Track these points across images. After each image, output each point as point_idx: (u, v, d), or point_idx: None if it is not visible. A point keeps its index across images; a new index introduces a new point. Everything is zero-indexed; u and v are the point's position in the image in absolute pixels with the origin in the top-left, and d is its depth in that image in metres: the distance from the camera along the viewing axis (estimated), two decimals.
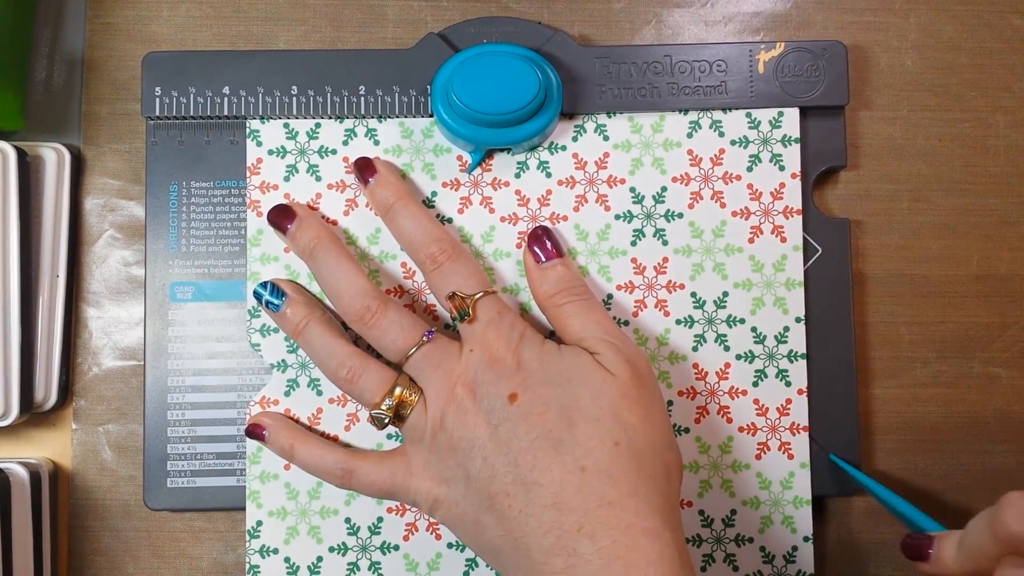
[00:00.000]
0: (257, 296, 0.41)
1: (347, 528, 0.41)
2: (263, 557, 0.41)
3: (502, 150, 0.43)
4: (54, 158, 0.43)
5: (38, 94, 0.45)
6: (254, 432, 0.41)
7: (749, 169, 0.42)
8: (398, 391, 0.38)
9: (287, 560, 0.41)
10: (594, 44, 0.45)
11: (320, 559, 0.41)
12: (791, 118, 0.43)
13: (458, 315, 0.38)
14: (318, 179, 0.42)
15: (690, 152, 0.43)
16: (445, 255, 0.39)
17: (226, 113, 0.42)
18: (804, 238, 0.43)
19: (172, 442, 0.42)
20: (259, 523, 0.41)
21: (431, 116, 0.42)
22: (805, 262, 0.43)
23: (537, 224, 0.42)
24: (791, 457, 0.42)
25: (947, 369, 0.44)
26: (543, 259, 0.41)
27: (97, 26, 0.45)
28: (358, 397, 0.39)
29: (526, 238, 0.41)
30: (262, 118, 0.43)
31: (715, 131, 0.43)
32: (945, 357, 0.45)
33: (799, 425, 0.42)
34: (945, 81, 0.46)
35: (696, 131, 0.43)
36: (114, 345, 0.44)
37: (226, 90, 0.42)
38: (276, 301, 0.40)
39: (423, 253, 0.40)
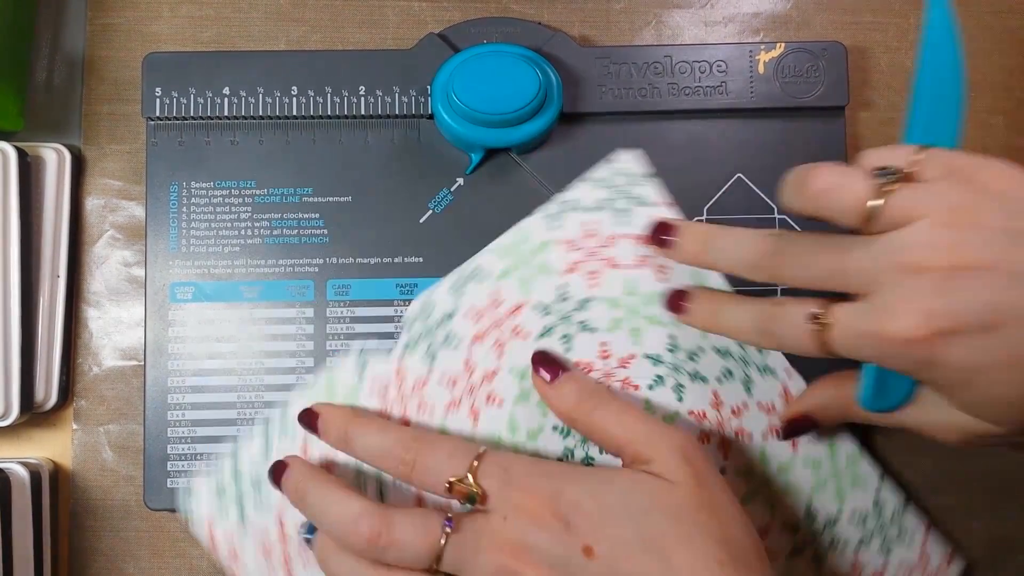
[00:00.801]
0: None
1: None
2: None
3: (502, 150, 0.43)
4: (55, 158, 0.43)
5: (39, 94, 0.45)
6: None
7: None
8: None
9: None
10: (594, 44, 0.45)
11: None
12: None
13: (468, 501, 0.35)
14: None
15: None
16: (410, 451, 0.36)
17: (226, 113, 0.42)
18: None
19: (172, 442, 0.42)
20: None
21: (431, 116, 0.43)
22: None
23: (536, 351, 0.40)
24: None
25: None
26: (550, 378, 0.39)
27: (97, 27, 0.45)
28: None
29: (531, 365, 0.39)
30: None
31: None
32: None
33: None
34: None
35: None
36: (114, 345, 0.44)
37: (226, 90, 0.42)
38: (309, 536, 0.38)
39: (390, 461, 0.37)
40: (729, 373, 0.41)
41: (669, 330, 0.40)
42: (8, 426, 0.41)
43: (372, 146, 0.43)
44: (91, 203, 0.44)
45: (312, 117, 0.43)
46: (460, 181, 0.43)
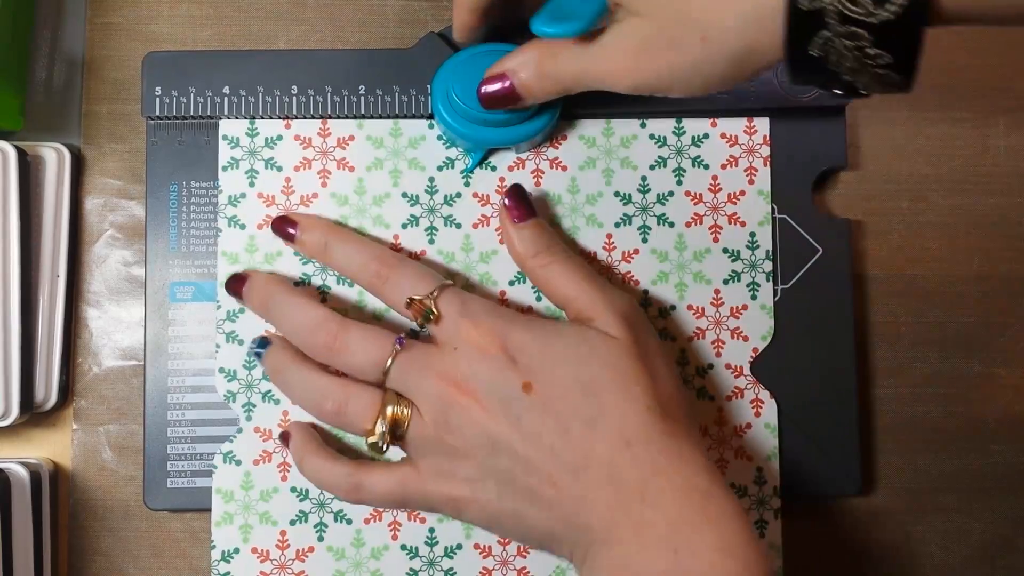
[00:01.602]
0: (250, 349, 0.41)
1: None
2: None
3: (502, 150, 0.43)
4: (54, 158, 0.43)
5: (38, 94, 0.45)
6: (284, 437, 0.41)
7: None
8: (389, 410, 0.37)
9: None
10: None
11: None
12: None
13: (423, 319, 0.38)
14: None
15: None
16: (387, 266, 0.39)
17: (226, 113, 0.42)
18: (804, 238, 0.43)
19: (172, 442, 0.42)
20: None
21: (431, 116, 0.42)
22: (805, 263, 0.43)
23: (511, 184, 0.41)
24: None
25: (947, 369, 0.44)
26: (518, 219, 0.40)
27: (97, 26, 0.45)
28: (350, 428, 0.38)
29: (502, 196, 0.41)
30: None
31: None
32: (945, 357, 0.45)
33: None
34: (945, 81, 0.46)
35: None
36: (114, 345, 0.44)
37: (226, 90, 0.42)
38: (260, 351, 0.40)
39: (366, 274, 0.39)
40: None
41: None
42: (8, 426, 0.41)
43: None
44: (91, 203, 0.44)
45: (312, 117, 0.43)
46: None
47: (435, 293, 0.38)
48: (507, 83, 0.38)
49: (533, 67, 0.38)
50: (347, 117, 0.43)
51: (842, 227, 0.43)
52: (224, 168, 0.42)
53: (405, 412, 0.37)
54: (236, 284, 0.41)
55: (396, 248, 0.42)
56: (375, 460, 0.40)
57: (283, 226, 0.41)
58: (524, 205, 0.40)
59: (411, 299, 0.38)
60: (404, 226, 0.42)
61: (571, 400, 0.36)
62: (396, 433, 0.37)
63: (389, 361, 0.37)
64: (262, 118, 0.43)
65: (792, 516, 0.43)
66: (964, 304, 0.45)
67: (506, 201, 0.40)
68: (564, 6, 0.36)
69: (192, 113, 0.42)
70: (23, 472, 0.40)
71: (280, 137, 0.42)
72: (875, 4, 0.28)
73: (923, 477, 0.44)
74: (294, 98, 0.43)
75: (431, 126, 0.43)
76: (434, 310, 0.37)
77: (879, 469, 0.44)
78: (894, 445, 0.44)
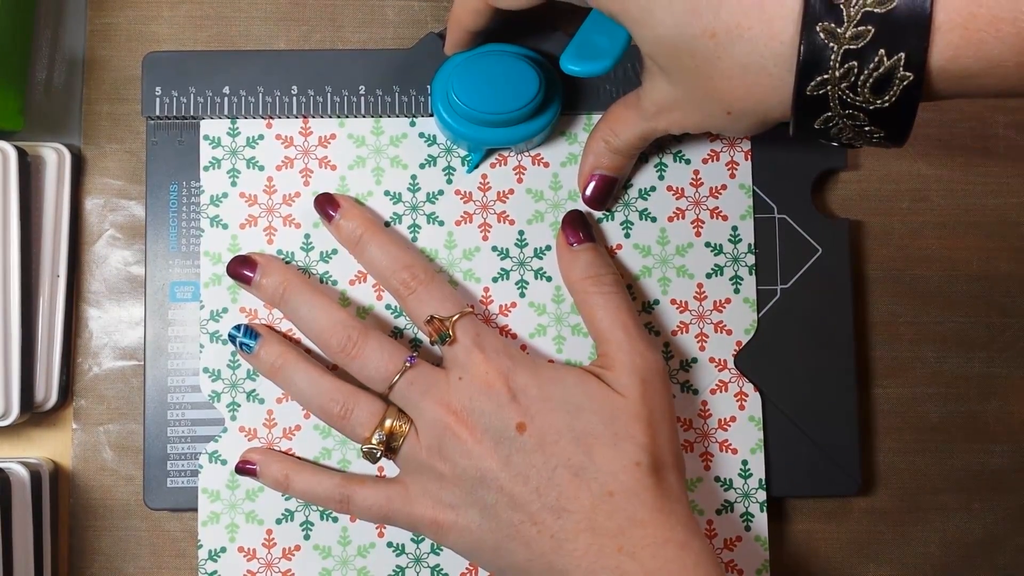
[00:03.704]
0: (231, 339, 0.41)
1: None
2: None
3: (502, 149, 0.43)
4: (54, 158, 0.43)
5: (39, 94, 0.45)
6: (244, 469, 0.41)
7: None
8: (388, 423, 0.38)
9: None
10: None
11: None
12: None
13: (438, 338, 0.39)
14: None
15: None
16: (417, 280, 0.39)
17: (226, 113, 0.42)
18: (804, 238, 0.43)
19: (172, 442, 0.42)
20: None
21: (431, 116, 0.42)
22: (805, 263, 0.43)
23: (573, 210, 0.42)
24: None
25: (947, 369, 0.44)
26: (574, 243, 0.41)
27: (97, 26, 0.45)
28: (350, 433, 0.39)
29: (561, 221, 0.42)
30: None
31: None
32: (945, 357, 0.45)
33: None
34: None
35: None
36: (114, 345, 0.44)
37: (226, 90, 0.42)
38: (250, 343, 0.40)
39: (395, 280, 0.40)
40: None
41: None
42: (8, 426, 0.41)
43: None
44: (91, 203, 0.44)
45: (312, 117, 0.43)
46: None
47: (455, 317, 0.38)
48: (596, 178, 0.41)
49: (606, 155, 0.40)
50: (346, 117, 0.43)
51: (842, 227, 0.43)
52: (206, 168, 0.42)
53: (403, 428, 0.38)
54: (244, 267, 0.41)
55: None
56: (364, 475, 0.41)
57: (324, 206, 0.41)
58: (582, 228, 0.41)
59: (432, 317, 0.39)
60: (387, 224, 0.42)
61: (561, 446, 0.37)
62: (390, 446, 0.38)
63: (397, 376, 0.38)
64: (261, 118, 0.43)
65: (792, 516, 0.43)
66: (964, 304, 0.45)
67: (565, 227, 0.41)
68: (590, 43, 0.37)
69: (192, 113, 0.42)
70: (23, 472, 0.40)
71: (262, 136, 0.42)
72: (873, 95, 0.31)
73: (923, 477, 0.44)
74: (294, 98, 0.43)
75: (412, 123, 0.43)
76: (451, 333, 0.38)
77: (879, 469, 0.44)
78: (894, 445, 0.44)
